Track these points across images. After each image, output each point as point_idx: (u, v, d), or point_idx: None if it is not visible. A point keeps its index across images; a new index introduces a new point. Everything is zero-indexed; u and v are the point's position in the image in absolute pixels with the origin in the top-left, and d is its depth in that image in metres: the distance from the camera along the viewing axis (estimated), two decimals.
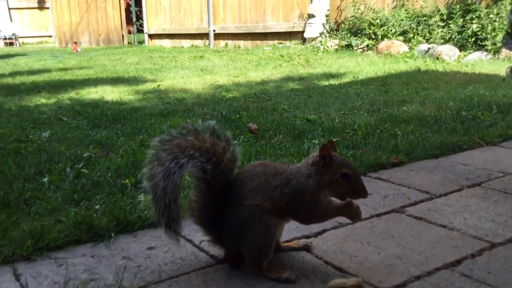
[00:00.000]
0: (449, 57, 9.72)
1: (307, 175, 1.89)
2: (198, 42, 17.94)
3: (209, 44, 17.08)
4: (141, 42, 21.92)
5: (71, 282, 1.86)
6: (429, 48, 10.21)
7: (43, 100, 6.58)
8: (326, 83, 7.90)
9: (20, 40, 25.18)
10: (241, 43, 16.32)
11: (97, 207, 2.57)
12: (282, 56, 12.04)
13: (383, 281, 1.89)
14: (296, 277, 1.91)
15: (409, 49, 10.80)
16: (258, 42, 15.86)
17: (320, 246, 2.21)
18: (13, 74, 10.07)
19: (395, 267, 2.00)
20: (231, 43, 16.62)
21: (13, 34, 24.50)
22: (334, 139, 3.90)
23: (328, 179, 1.87)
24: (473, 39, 10.07)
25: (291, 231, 2.36)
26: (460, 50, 10.06)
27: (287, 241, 2.22)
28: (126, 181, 3.01)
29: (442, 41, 10.62)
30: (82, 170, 3.25)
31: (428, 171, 3.29)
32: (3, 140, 4.15)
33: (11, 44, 24.32)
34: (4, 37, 24.46)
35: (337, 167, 1.87)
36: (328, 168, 1.87)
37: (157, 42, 19.69)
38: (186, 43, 18.35)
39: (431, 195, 2.84)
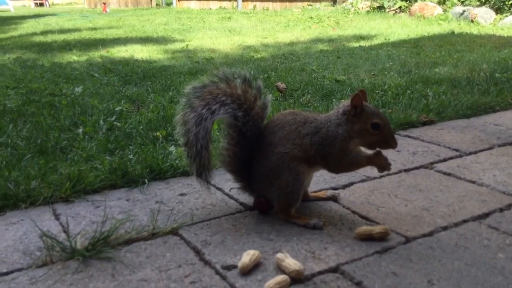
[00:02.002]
0: (485, 20, 9.41)
1: (337, 124, 1.89)
2: (226, 4, 17.75)
3: (237, 6, 16.89)
4: (169, 4, 21.80)
5: (108, 222, 1.95)
6: (464, 11, 9.89)
7: (75, 57, 6.69)
8: (356, 44, 7.78)
9: (50, 1, 25.36)
10: (270, 5, 16.08)
11: (130, 156, 2.65)
12: (311, 17, 11.84)
13: (409, 230, 1.91)
14: (324, 224, 1.95)
15: (443, 11, 10.48)
16: (287, 4, 15.60)
17: (348, 197, 2.24)
18: (44, 32, 10.22)
19: (422, 218, 2.02)
20: (259, 5, 16.38)
21: None
22: None
23: (358, 128, 1.87)
24: (510, 1, 9.70)
25: (318, 183, 2.39)
26: (497, 13, 9.71)
27: (315, 192, 2.25)
28: (158, 133, 3.08)
29: (478, 3, 10.26)
30: (115, 122, 3.34)
31: (458, 130, 3.26)
32: (37, 94, 4.27)
33: (41, 5, 24.54)
34: None
35: (367, 117, 1.87)
36: (358, 117, 1.87)
37: (185, 4, 19.56)
38: (214, 5, 18.17)
39: (461, 152, 2.82)
